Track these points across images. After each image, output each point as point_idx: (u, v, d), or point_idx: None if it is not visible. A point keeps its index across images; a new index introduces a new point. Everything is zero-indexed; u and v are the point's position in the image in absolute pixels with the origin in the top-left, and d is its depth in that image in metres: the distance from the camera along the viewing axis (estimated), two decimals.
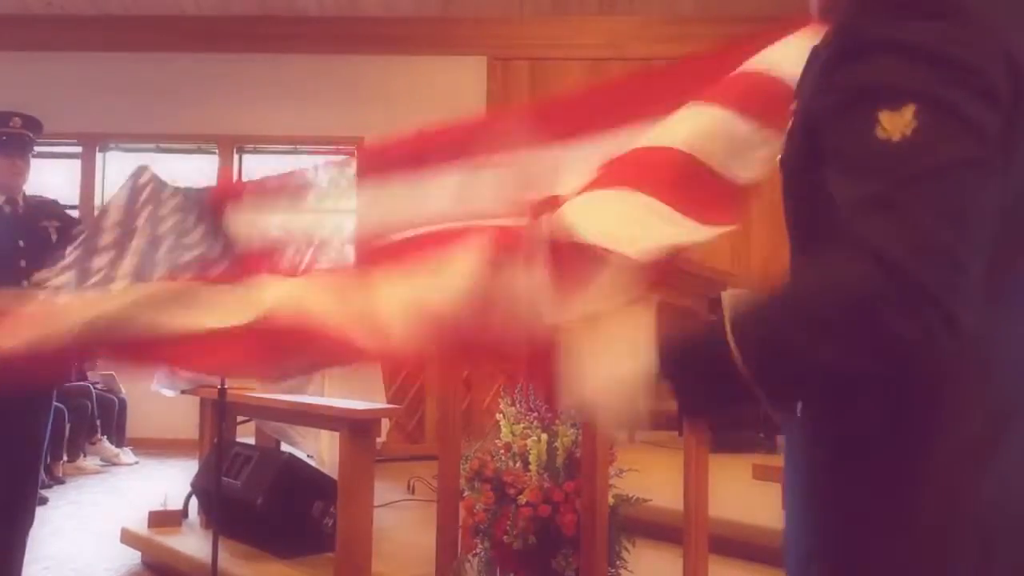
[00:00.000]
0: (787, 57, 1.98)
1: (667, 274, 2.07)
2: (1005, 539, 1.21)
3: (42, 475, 5.21)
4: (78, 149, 9.12)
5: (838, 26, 1.29)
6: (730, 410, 1.29)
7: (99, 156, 9.23)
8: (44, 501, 6.32)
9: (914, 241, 1.11)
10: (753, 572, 3.90)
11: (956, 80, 1.15)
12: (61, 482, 7.34)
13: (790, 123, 1.42)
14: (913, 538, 1.23)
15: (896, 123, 1.15)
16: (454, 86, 8.90)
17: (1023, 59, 1.18)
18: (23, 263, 3.89)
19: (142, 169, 4.02)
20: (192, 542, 4.94)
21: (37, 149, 4.41)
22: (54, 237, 4.10)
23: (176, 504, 5.34)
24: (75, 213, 4.08)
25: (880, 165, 1.16)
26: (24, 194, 4.27)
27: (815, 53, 1.37)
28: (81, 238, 3.83)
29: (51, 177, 8.97)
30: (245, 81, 8.88)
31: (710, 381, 1.25)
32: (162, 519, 5.23)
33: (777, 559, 1.44)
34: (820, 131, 1.27)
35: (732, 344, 1.19)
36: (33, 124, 4.30)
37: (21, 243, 4.09)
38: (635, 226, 1.85)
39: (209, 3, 8.42)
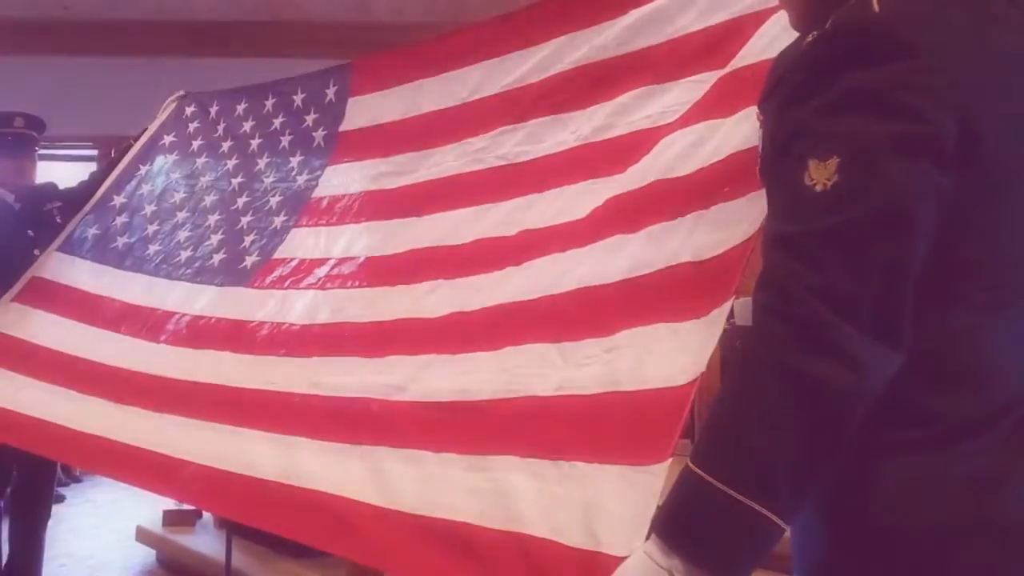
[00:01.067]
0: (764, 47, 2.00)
1: None
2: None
3: (59, 473, 5.27)
4: (93, 152, 9.18)
5: (802, 56, 1.34)
6: (762, 550, 1.25)
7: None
8: (61, 499, 6.39)
9: (814, 285, 1.18)
10: None
11: (891, 132, 1.19)
12: (78, 480, 7.41)
13: (760, 132, 1.49)
14: (921, 548, 1.26)
15: (821, 174, 1.21)
16: None
17: (975, 101, 1.22)
18: (36, 252, 3.97)
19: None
20: (206, 541, 5.00)
21: (52, 152, 4.46)
22: (59, 218, 4.14)
23: (189, 504, 5.39)
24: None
25: (800, 211, 1.24)
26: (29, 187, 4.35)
27: (781, 74, 1.42)
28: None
29: (66, 180, 9.04)
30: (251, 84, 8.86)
31: (725, 535, 1.24)
32: (177, 518, 5.29)
33: (784, 566, 1.46)
34: (777, 157, 1.33)
35: (712, 479, 1.22)
36: (36, 123, 4.36)
37: (31, 233, 4.14)
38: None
39: (222, 8, 8.48)
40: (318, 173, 3.28)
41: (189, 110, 3.99)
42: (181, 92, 4.12)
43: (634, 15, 2.43)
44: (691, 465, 1.26)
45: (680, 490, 1.29)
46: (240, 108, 3.73)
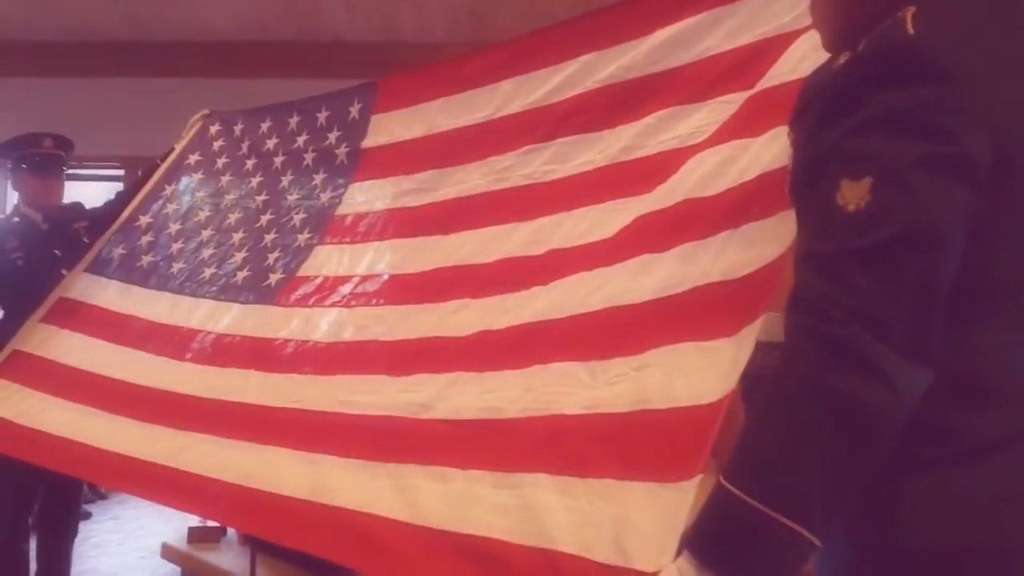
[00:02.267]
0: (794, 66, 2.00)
1: None
2: None
3: (85, 490, 5.30)
4: (120, 172, 9.26)
5: (836, 77, 1.35)
6: (795, 567, 1.26)
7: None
8: (87, 516, 6.42)
9: (847, 305, 1.19)
10: None
11: (923, 153, 1.20)
12: (104, 497, 7.44)
13: (791, 152, 1.49)
14: (945, 566, 1.26)
15: (853, 193, 1.23)
16: None
17: (1009, 123, 1.23)
18: (64, 272, 3.98)
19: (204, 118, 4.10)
20: (230, 559, 5.00)
21: (79, 172, 4.51)
22: (86, 238, 4.17)
23: (215, 521, 5.41)
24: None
25: (832, 231, 1.25)
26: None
27: (814, 94, 1.43)
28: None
29: (93, 200, 9.11)
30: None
31: (758, 552, 1.25)
32: (202, 535, 5.29)
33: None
34: (810, 176, 1.33)
35: (745, 496, 1.24)
36: (64, 143, 4.41)
37: (58, 252, 4.19)
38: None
39: (249, 28, 8.55)
40: (341, 190, 3.30)
41: (214, 129, 4.02)
42: (206, 111, 4.15)
43: (661, 35, 2.44)
44: (724, 482, 1.27)
45: (713, 506, 1.30)
46: (264, 126, 3.76)
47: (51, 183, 4.35)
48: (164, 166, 4.07)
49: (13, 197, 4.75)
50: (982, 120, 1.22)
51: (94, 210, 4.42)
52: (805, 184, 1.38)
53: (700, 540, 1.31)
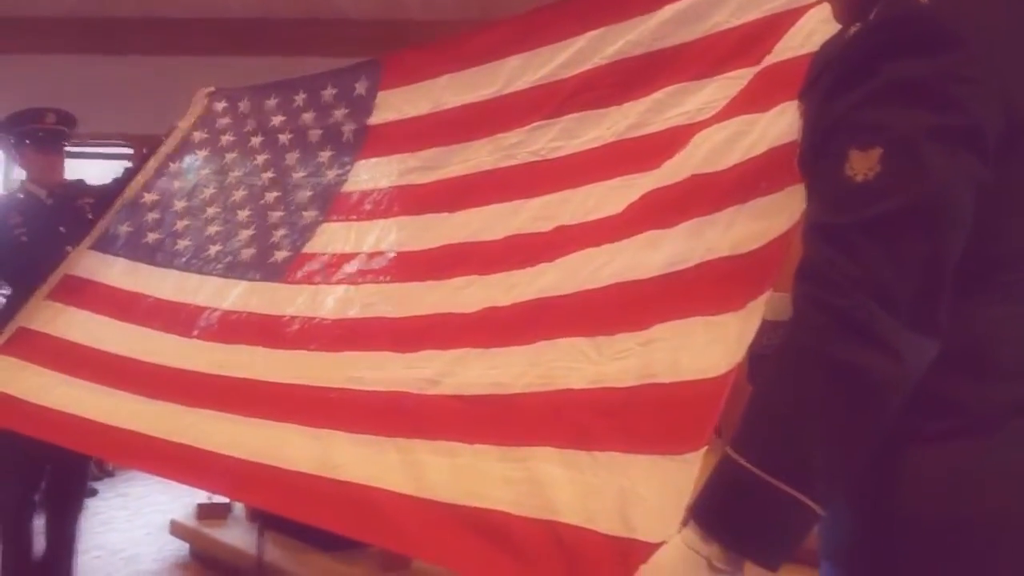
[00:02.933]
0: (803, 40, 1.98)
1: None
2: None
3: (92, 467, 5.32)
4: (126, 150, 9.25)
5: (846, 48, 1.33)
6: (800, 535, 1.26)
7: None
8: (94, 493, 6.45)
9: (854, 276, 1.19)
10: (789, 572, 3.91)
11: (934, 124, 1.19)
12: (111, 475, 7.47)
13: (801, 122, 1.48)
14: (951, 538, 1.26)
15: (862, 164, 1.22)
16: None
17: (1020, 94, 1.22)
18: (69, 248, 3.97)
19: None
20: (238, 534, 5.03)
21: (86, 149, 4.50)
22: (91, 215, 4.16)
23: (223, 497, 5.43)
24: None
25: (840, 202, 1.25)
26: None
27: (824, 65, 1.42)
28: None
29: (99, 178, 9.11)
30: None
31: (763, 522, 1.26)
32: (209, 512, 5.33)
33: (814, 559, 1.46)
34: (819, 147, 1.33)
35: (750, 466, 1.24)
36: (67, 119, 4.38)
37: (63, 229, 4.17)
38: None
39: (255, 5, 8.52)
40: (347, 168, 3.29)
41: (219, 106, 4.01)
42: (211, 88, 4.14)
43: (669, 11, 2.42)
44: (730, 452, 1.27)
45: (719, 477, 1.30)
46: (270, 103, 3.74)
47: (54, 159, 4.32)
48: (168, 143, 4.05)
49: (17, 173, 4.73)
50: (993, 90, 1.21)
51: (99, 186, 4.41)
52: (814, 156, 1.38)
53: (705, 510, 1.31)
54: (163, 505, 6.29)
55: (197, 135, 3.99)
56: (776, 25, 2.11)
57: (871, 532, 1.32)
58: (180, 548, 5.35)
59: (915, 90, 1.21)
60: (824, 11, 1.60)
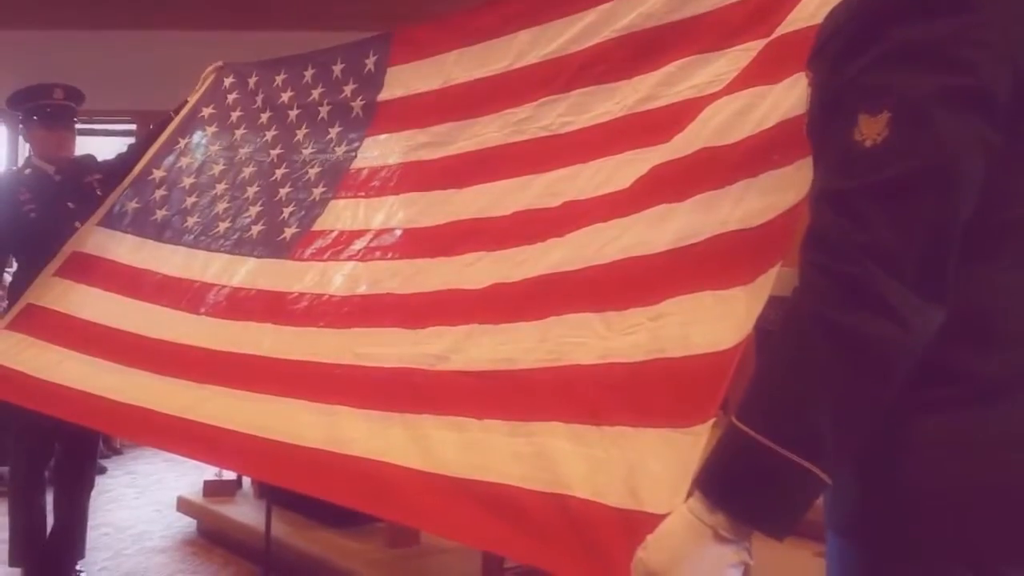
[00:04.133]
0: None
1: None
2: None
3: (100, 445, 5.34)
4: (132, 127, 9.24)
5: (854, 12, 1.31)
6: (806, 503, 1.25)
7: None
8: (103, 470, 6.47)
9: (861, 241, 1.18)
10: (796, 547, 3.91)
11: (944, 86, 1.18)
12: (119, 452, 7.50)
13: (808, 92, 1.47)
14: (953, 508, 1.24)
15: (871, 129, 1.20)
16: None
17: None
18: (77, 224, 3.99)
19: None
20: (246, 511, 5.04)
21: (91, 126, 4.48)
22: (99, 191, 4.17)
23: (230, 474, 5.45)
24: None
25: (848, 168, 1.23)
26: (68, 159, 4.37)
27: (832, 30, 1.39)
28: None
29: (105, 154, 9.11)
30: None
31: (769, 490, 1.25)
32: (217, 489, 5.35)
33: (821, 534, 1.44)
34: (827, 113, 1.31)
35: (756, 435, 1.23)
36: (75, 94, 4.37)
37: (71, 205, 4.18)
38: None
39: None
40: (356, 144, 3.28)
41: (228, 81, 3.99)
42: (219, 63, 4.12)
43: None
44: (735, 421, 1.26)
45: (724, 446, 1.29)
46: (279, 79, 3.73)
47: (62, 134, 4.31)
48: (177, 119, 4.04)
49: (25, 149, 4.74)
50: (1004, 54, 1.19)
51: (107, 163, 4.40)
52: (822, 123, 1.36)
53: (711, 479, 1.30)
54: (171, 482, 6.32)
55: (205, 111, 3.98)
56: None
57: (877, 502, 1.31)
58: (188, 525, 5.37)
59: (925, 53, 1.20)
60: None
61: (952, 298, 1.22)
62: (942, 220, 1.20)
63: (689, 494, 1.34)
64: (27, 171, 4.34)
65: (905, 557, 1.28)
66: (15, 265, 4.45)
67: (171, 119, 4.08)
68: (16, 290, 4.11)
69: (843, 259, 1.20)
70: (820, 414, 1.20)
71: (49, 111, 4.26)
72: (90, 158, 4.52)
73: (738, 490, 1.26)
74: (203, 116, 3.98)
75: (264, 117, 3.70)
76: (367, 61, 3.37)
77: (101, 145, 7.14)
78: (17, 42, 8.17)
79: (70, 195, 4.20)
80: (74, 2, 8.49)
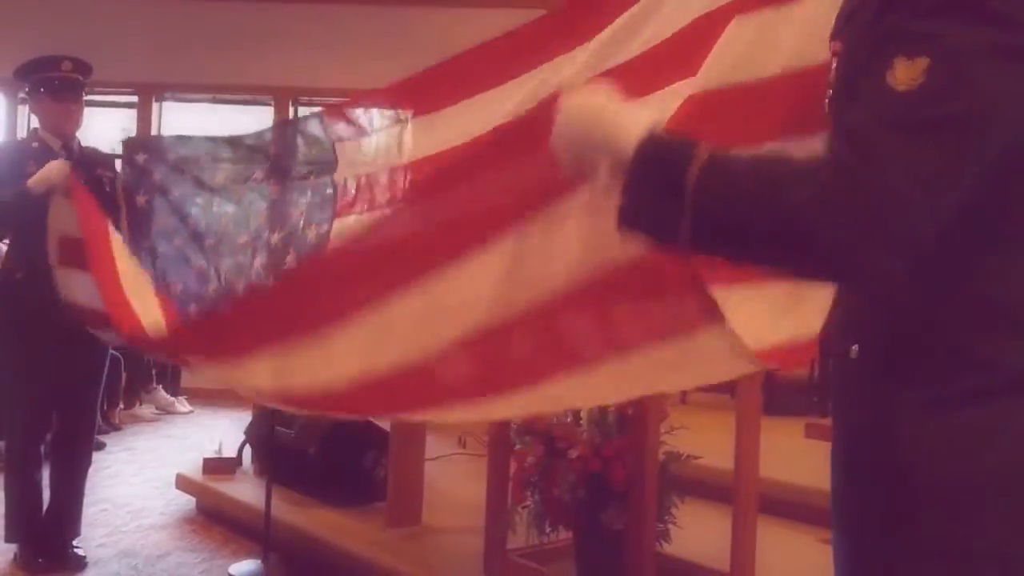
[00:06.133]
0: None
1: None
2: None
3: (99, 421, 5.30)
4: (134, 99, 9.19)
5: None
6: (654, 229, 1.29)
7: (155, 106, 9.28)
8: (101, 447, 6.44)
9: (863, 180, 1.13)
10: (802, 533, 3.88)
11: (990, 40, 1.13)
12: (118, 429, 7.47)
13: (833, 64, 1.40)
14: (971, 505, 1.21)
15: (907, 73, 1.14)
16: None
17: None
18: None
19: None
20: (246, 489, 5.02)
21: (93, 98, 4.43)
22: (108, 188, 4.15)
23: (230, 452, 5.43)
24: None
25: (878, 108, 1.16)
26: (79, 142, 4.30)
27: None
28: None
29: (107, 126, 9.10)
30: (302, 32, 8.80)
31: (656, 190, 1.26)
32: (217, 466, 5.32)
33: (827, 520, 1.43)
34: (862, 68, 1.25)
35: (695, 170, 1.22)
36: (83, 67, 4.29)
37: None
38: None
39: None
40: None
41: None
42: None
43: None
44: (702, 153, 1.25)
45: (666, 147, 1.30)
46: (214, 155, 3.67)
47: (69, 107, 4.24)
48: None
49: (27, 121, 4.69)
50: None
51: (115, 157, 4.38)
52: (845, 98, 1.29)
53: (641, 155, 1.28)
54: (170, 459, 6.29)
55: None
56: None
57: (882, 501, 1.27)
58: (187, 502, 5.34)
59: (972, 5, 1.14)
60: None
61: (978, 286, 1.19)
62: (957, 172, 1.14)
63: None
64: (34, 144, 4.27)
65: (926, 556, 1.24)
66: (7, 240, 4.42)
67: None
68: (13, 263, 4.09)
69: (837, 191, 1.15)
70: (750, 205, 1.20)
71: (57, 83, 4.19)
72: (108, 155, 4.55)
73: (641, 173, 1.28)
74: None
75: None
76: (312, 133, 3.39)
77: (102, 118, 7.10)
78: (16, 9, 8.10)
79: (78, 179, 4.15)
80: None
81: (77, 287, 3.68)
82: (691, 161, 1.22)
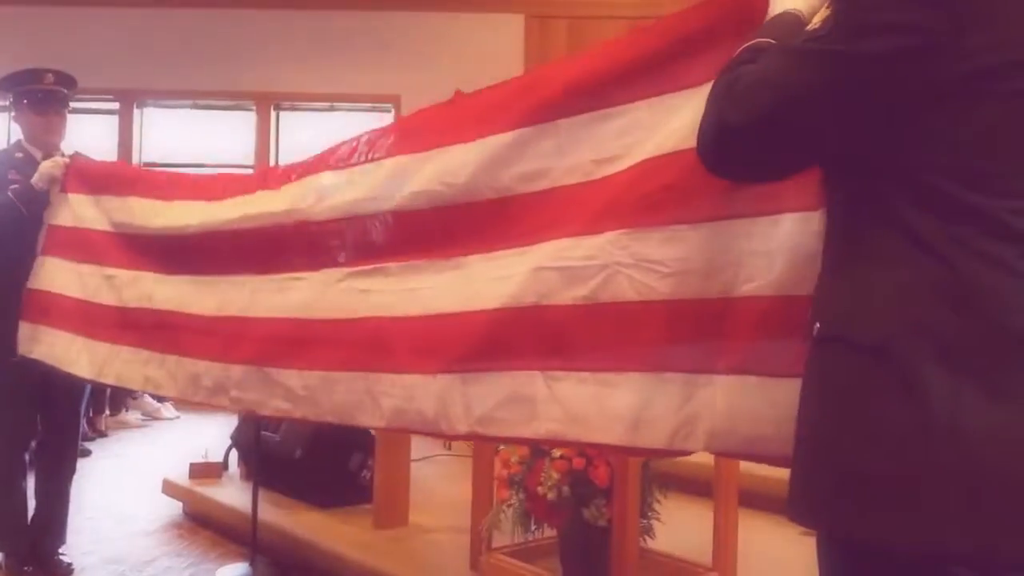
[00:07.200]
0: None
1: None
2: None
3: (84, 428, 5.30)
4: (115, 105, 9.16)
5: None
6: None
7: (136, 113, 9.23)
8: (87, 453, 6.43)
9: (744, 80, 1.42)
10: (783, 525, 3.88)
11: (890, 21, 1.27)
12: (104, 435, 7.46)
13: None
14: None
15: (820, 19, 1.50)
16: (491, 45, 8.72)
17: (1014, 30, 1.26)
18: None
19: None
20: (232, 493, 5.02)
21: (74, 105, 4.44)
22: None
23: (216, 457, 5.43)
24: None
25: (780, 31, 1.54)
26: (62, 152, 4.30)
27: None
28: None
29: (88, 134, 9.05)
30: (283, 38, 8.84)
31: None
32: (203, 471, 5.31)
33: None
34: None
35: None
36: (66, 80, 4.30)
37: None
38: None
39: None
40: None
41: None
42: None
43: None
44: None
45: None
46: None
47: (52, 119, 4.24)
48: None
49: (13, 130, 4.71)
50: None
51: None
52: None
53: None
54: (156, 465, 6.27)
55: None
56: None
57: (870, 497, 1.33)
58: (174, 508, 5.33)
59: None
60: None
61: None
62: (809, 93, 1.34)
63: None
64: (18, 154, 4.28)
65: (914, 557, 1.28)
66: None
67: None
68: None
69: (730, 69, 1.47)
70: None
71: (40, 96, 4.20)
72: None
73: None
74: None
75: None
76: None
77: (84, 125, 7.09)
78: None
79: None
80: None
81: (57, 274, 3.94)
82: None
